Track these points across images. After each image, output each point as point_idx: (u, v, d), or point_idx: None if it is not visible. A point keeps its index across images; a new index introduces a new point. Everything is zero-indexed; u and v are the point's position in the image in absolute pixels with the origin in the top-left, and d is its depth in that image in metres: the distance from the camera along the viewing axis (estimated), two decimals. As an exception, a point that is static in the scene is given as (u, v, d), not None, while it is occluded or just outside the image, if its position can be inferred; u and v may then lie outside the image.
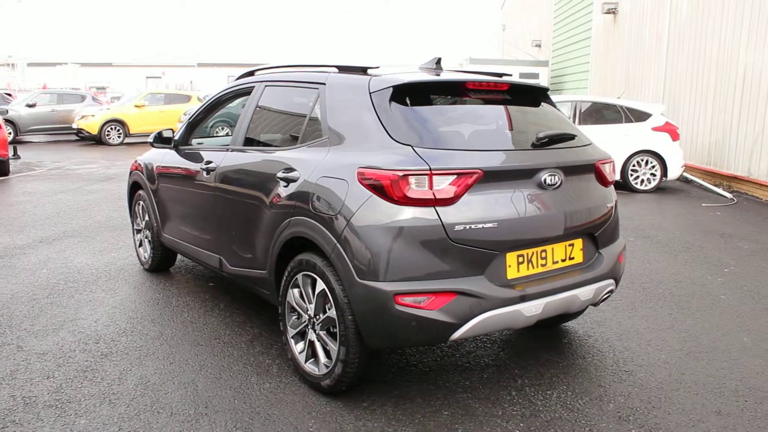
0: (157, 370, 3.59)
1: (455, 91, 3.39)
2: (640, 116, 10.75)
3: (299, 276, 3.33)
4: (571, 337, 4.17)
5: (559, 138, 3.37)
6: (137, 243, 5.74)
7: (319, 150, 3.35)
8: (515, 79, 3.71)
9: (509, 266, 3.07)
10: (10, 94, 23.52)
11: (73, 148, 18.18)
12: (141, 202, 5.49)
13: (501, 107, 3.49)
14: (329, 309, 3.13)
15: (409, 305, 2.83)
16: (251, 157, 3.91)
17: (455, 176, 2.89)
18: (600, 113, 11.07)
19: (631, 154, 10.61)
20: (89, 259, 5.96)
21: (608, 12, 16.83)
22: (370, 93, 3.19)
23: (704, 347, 3.99)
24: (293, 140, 3.62)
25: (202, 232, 4.46)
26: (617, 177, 10.69)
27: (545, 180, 3.14)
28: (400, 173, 2.84)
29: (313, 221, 3.17)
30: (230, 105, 4.86)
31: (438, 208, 2.87)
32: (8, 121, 18.48)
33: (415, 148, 2.94)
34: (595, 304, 3.59)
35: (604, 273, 3.44)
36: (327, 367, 3.21)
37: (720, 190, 10.57)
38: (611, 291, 3.55)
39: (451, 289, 2.87)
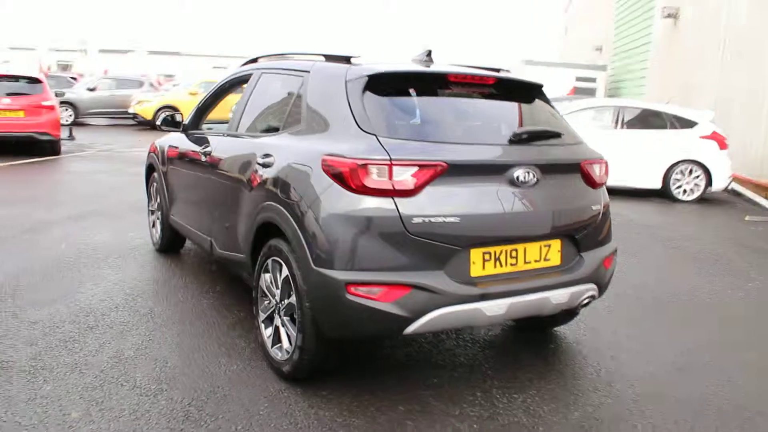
0: (135, 345, 3.67)
1: (436, 83, 3.32)
2: (687, 124, 10.32)
3: (269, 261, 3.34)
4: (560, 342, 4.04)
5: (539, 135, 3.27)
6: (150, 223, 5.90)
7: (294, 137, 3.36)
8: (506, 74, 3.61)
9: (473, 263, 2.99)
10: (75, 78, 24.54)
11: (128, 132, 18.84)
12: (154, 184, 5.63)
13: (485, 101, 3.41)
14: (292, 295, 3.13)
15: (361, 295, 2.80)
16: (240, 143, 3.95)
17: (417, 168, 2.84)
18: (645, 119, 10.68)
19: (674, 162, 10.21)
20: (107, 237, 6.16)
21: (668, 16, 16.25)
22: (345, 82, 3.17)
23: (699, 363, 3.79)
24: (277, 127, 3.64)
25: (198, 214, 4.54)
26: (658, 185, 10.31)
27: (518, 177, 3.05)
28: (359, 162, 2.81)
29: (280, 207, 3.17)
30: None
31: (397, 200, 2.82)
32: (69, 104, 19.31)
33: (379, 138, 2.91)
34: (575, 310, 3.46)
35: (583, 277, 3.32)
36: (288, 353, 3.21)
37: (769, 205, 10.07)
38: (592, 296, 3.42)
39: (405, 282, 2.82)
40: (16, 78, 12.34)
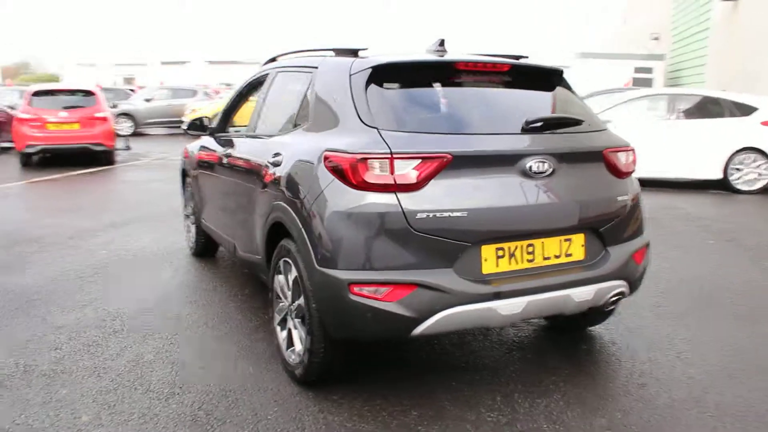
0: (156, 348, 3.67)
1: (444, 73, 3.18)
2: (747, 110, 9.74)
3: (281, 262, 3.27)
4: (593, 343, 3.82)
5: (555, 122, 3.08)
6: (186, 228, 5.95)
7: (301, 134, 3.28)
8: (522, 61, 3.43)
9: (485, 260, 2.83)
10: (133, 90, 25.37)
11: (184, 141, 19.29)
12: (188, 188, 5.68)
13: (498, 90, 3.24)
14: (301, 296, 3.05)
15: (364, 295, 2.69)
16: (255, 143, 3.91)
17: (419, 161, 2.70)
18: (702, 107, 10.15)
19: (734, 151, 9.65)
20: (148, 243, 6.25)
21: (728, -1, 15.45)
22: (350, 75, 3.07)
23: (746, 364, 3.50)
24: (288, 125, 3.57)
25: (222, 217, 4.53)
26: (718, 175, 9.76)
27: (531, 167, 2.87)
28: (359, 156, 2.71)
29: (286, 206, 3.10)
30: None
31: (399, 195, 2.69)
32: (127, 115, 19.96)
33: (381, 131, 2.79)
34: (603, 308, 3.25)
35: (610, 273, 3.11)
36: (299, 356, 3.13)
37: (841, 194, 9.38)
38: (621, 293, 3.20)
39: (410, 281, 2.69)
40: (71, 92, 12.82)
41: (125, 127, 19.68)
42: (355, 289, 2.69)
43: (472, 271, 2.80)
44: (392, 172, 2.69)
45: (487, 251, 2.84)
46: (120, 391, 3.15)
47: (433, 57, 3.27)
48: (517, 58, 3.61)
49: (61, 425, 2.84)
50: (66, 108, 12.31)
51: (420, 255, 2.72)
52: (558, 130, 3.10)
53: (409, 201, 2.69)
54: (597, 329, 4.00)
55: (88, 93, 12.81)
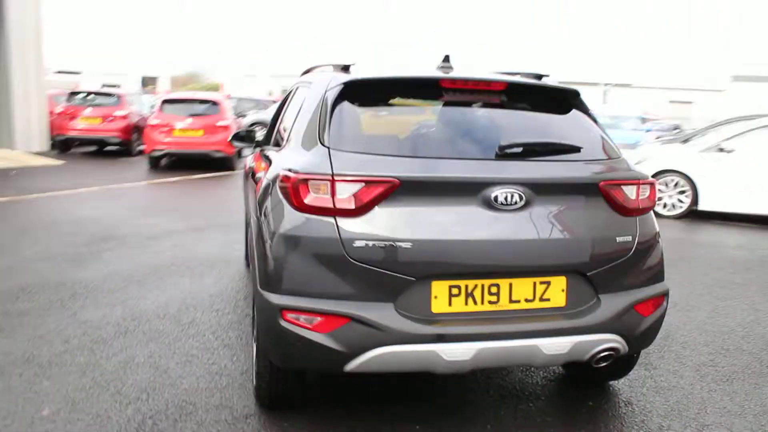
0: (151, 352, 3.75)
1: (427, 91, 2.95)
2: None
3: None
4: (603, 400, 3.37)
5: (538, 148, 2.74)
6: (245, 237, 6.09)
7: (284, 150, 3.20)
8: (528, 80, 3.11)
9: (435, 297, 2.57)
10: (275, 100, 26.74)
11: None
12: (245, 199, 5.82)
13: (487, 111, 2.96)
14: (257, 317, 2.96)
15: (296, 323, 2.54)
16: (263, 158, 3.89)
17: (362, 184, 2.51)
18: None
19: None
20: (213, 249, 6.48)
21: None
22: (325, 91, 2.94)
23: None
24: (282, 141, 3.51)
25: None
26: None
27: (496, 198, 2.57)
28: (300, 177, 2.57)
29: (252, 223, 3.03)
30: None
31: (339, 220, 2.52)
32: (260, 124, 20.96)
33: (332, 151, 2.63)
34: (589, 364, 2.83)
35: (597, 324, 2.71)
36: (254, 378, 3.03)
37: None
38: (613, 350, 2.77)
39: (343, 313, 2.50)
40: (199, 101, 13.76)
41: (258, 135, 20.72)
42: (288, 315, 2.55)
43: (419, 309, 2.55)
44: (333, 196, 2.52)
45: (439, 288, 2.57)
46: (91, 391, 3.23)
47: (416, 74, 3.05)
48: (539, 77, 3.29)
49: (18, 415, 2.96)
50: (192, 116, 13.21)
51: (358, 286, 2.52)
52: (543, 158, 2.76)
53: (348, 227, 2.51)
54: (620, 385, 3.53)
55: (213, 103, 13.67)
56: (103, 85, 36.73)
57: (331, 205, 2.52)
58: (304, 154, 2.76)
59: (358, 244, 2.50)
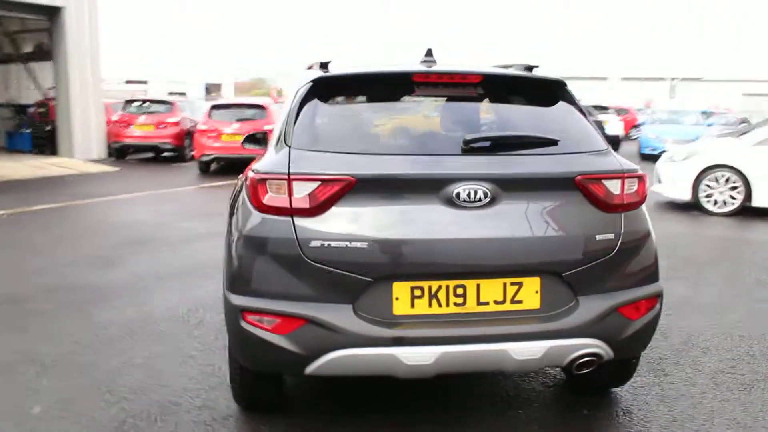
0: (150, 354, 3.80)
1: (398, 86, 2.87)
2: None
3: None
4: (600, 408, 3.19)
5: (506, 142, 2.62)
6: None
7: (265, 152, 3.18)
8: (508, 71, 2.99)
9: (396, 299, 2.49)
10: None
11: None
12: None
13: (461, 104, 2.87)
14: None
15: (255, 324, 2.52)
16: None
17: (318, 183, 2.46)
18: None
19: None
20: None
21: None
22: (297, 90, 2.91)
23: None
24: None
25: None
26: None
27: (458, 194, 2.46)
28: (259, 177, 2.54)
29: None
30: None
31: (296, 219, 2.48)
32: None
33: (292, 150, 2.59)
34: (569, 370, 2.68)
35: (574, 328, 2.56)
36: (232, 379, 3.03)
37: None
38: (595, 356, 2.61)
39: (300, 315, 2.46)
40: (247, 106, 14.03)
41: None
42: (248, 317, 2.53)
43: (380, 311, 2.48)
44: (290, 195, 2.48)
45: (400, 289, 2.49)
46: (85, 390, 3.31)
47: (386, 69, 2.98)
48: (530, 68, 3.15)
49: (9, 412, 3.05)
50: (239, 120, 13.47)
51: (315, 287, 2.47)
52: (513, 152, 2.63)
53: (304, 227, 2.47)
54: (623, 392, 3.34)
55: (261, 107, 13.90)
56: (169, 93, 37.93)
57: (287, 205, 2.48)
58: (272, 154, 2.74)
59: (314, 244, 2.45)
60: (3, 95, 17.50)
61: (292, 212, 2.48)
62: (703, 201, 8.91)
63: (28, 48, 17.18)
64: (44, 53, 16.17)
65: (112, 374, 3.50)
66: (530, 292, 2.57)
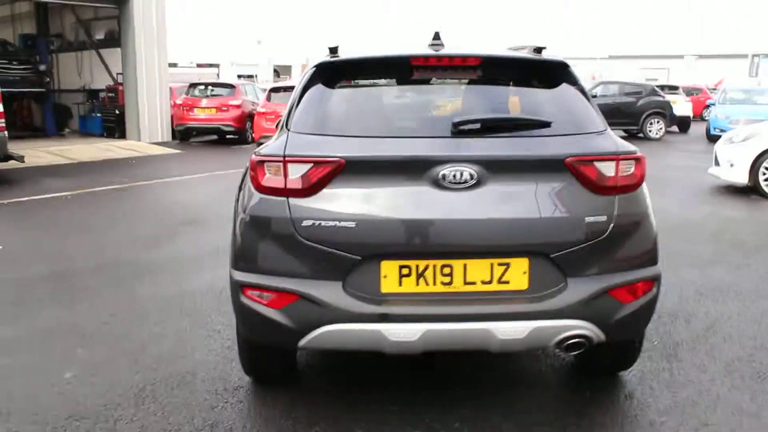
0: (182, 327, 4.05)
1: (396, 70, 2.94)
2: None
3: None
4: (603, 392, 3.21)
5: (495, 123, 2.66)
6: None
7: None
8: (507, 52, 3.00)
9: (384, 277, 2.59)
10: None
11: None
12: None
13: (458, 87, 2.92)
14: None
15: (254, 299, 2.68)
16: None
17: (311, 165, 2.58)
18: None
19: None
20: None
21: None
22: (302, 76, 3.03)
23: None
24: None
25: None
26: None
27: (444, 176, 2.53)
28: (257, 159, 2.68)
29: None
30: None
31: (291, 200, 2.61)
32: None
33: (290, 134, 2.72)
34: (559, 350, 2.71)
35: (562, 309, 2.60)
36: (243, 353, 3.21)
37: None
38: (584, 338, 2.64)
39: (293, 290, 2.59)
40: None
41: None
42: (248, 292, 2.69)
43: (368, 289, 2.59)
44: (285, 177, 2.61)
45: (388, 268, 2.59)
46: (115, 358, 3.58)
47: (385, 53, 3.04)
48: (539, 50, 3.15)
49: (44, 376, 3.34)
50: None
51: (308, 265, 2.60)
52: (502, 134, 2.67)
53: (298, 207, 2.60)
54: (629, 376, 3.34)
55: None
56: (238, 76, 38.65)
57: (283, 186, 2.61)
58: (274, 139, 2.87)
59: (307, 223, 2.57)
60: (77, 81, 18.41)
61: (287, 193, 2.62)
62: (763, 185, 8.52)
63: (99, 35, 17.97)
64: (115, 40, 16.90)
65: (141, 345, 3.76)
66: (518, 273, 2.61)
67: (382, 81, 2.99)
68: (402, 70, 2.92)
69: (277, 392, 3.15)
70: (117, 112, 16.64)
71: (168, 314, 4.26)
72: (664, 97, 19.28)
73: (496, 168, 2.57)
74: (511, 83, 2.99)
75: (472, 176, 2.54)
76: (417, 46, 3.25)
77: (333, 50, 3.17)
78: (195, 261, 5.56)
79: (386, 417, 2.92)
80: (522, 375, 3.38)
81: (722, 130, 15.83)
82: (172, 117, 16.97)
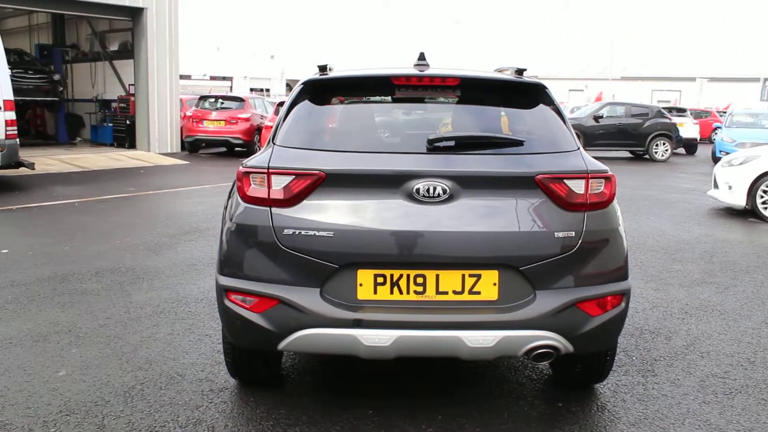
0: (175, 330, 4.18)
1: (379, 88, 3.09)
2: None
3: None
4: (574, 403, 3.29)
5: (468, 141, 2.79)
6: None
7: None
8: (487, 73, 3.14)
9: (360, 285, 2.72)
10: None
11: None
12: None
13: (437, 105, 3.06)
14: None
15: (237, 303, 2.81)
16: None
17: (293, 177, 2.72)
18: None
19: None
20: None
21: None
22: (292, 92, 3.18)
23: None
24: None
25: None
26: None
27: (418, 190, 2.66)
28: (243, 170, 2.83)
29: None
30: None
31: (273, 210, 2.75)
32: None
33: (275, 147, 2.87)
34: (528, 359, 2.82)
35: (530, 320, 2.71)
36: (229, 354, 3.33)
37: None
38: (551, 348, 2.75)
39: (273, 295, 2.73)
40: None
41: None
42: (232, 296, 2.83)
43: (344, 295, 2.72)
44: (269, 188, 2.75)
45: (364, 276, 2.72)
46: (107, 359, 3.71)
47: (369, 72, 3.19)
48: (521, 72, 3.29)
49: (39, 374, 3.48)
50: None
51: (288, 271, 2.73)
52: (476, 151, 2.80)
53: (280, 216, 2.74)
54: (604, 389, 3.43)
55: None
56: (251, 89, 38.97)
57: (266, 196, 2.76)
58: (261, 152, 3.02)
59: (288, 232, 2.71)
60: (90, 91, 18.76)
61: (270, 203, 2.76)
62: (760, 207, 8.58)
63: (113, 47, 18.35)
64: (128, 52, 17.24)
65: (134, 346, 3.89)
66: (488, 284, 2.73)
67: (366, 98, 3.14)
68: (384, 88, 3.07)
69: (261, 395, 3.28)
70: (128, 122, 16.93)
71: (162, 318, 4.39)
72: (670, 119, 19.37)
73: (468, 183, 2.70)
74: (489, 103, 3.12)
75: (444, 191, 2.67)
76: (401, 65, 3.41)
77: (322, 68, 3.33)
78: (192, 269, 5.70)
79: (363, 420, 3.03)
80: (498, 385, 3.48)
81: (728, 153, 15.90)
82: (181, 128, 17.23)
